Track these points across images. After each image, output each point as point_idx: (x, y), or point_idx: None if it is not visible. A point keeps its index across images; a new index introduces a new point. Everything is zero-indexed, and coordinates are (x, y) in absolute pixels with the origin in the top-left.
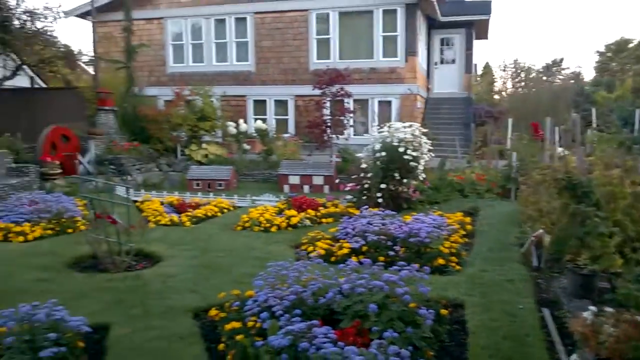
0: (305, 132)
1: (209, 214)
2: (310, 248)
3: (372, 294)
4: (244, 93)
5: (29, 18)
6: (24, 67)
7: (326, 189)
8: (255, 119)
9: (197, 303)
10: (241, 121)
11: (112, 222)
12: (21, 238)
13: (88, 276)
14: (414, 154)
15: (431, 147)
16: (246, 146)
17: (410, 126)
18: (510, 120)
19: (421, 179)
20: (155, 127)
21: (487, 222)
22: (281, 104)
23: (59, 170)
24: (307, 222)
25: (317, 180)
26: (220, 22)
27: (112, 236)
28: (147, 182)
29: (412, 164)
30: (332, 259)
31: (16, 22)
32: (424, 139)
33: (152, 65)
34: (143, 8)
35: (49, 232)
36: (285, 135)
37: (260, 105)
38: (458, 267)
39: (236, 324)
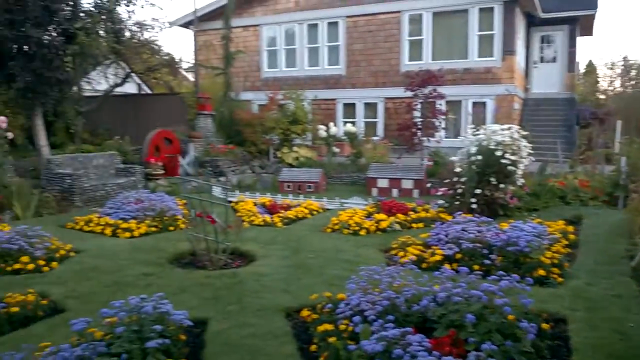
0: (395, 134)
1: (300, 215)
2: (401, 253)
3: (469, 303)
4: (334, 96)
5: (138, 29)
6: (133, 74)
7: (416, 193)
8: (345, 122)
9: (289, 303)
10: (331, 124)
11: (211, 222)
12: (128, 234)
13: (188, 272)
14: (513, 157)
15: (531, 151)
16: (335, 149)
17: (509, 128)
18: (619, 122)
19: (519, 184)
20: (249, 130)
21: (592, 232)
22: (370, 107)
23: (162, 171)
24: (397, 227)
25: (407, 184)
26: (313, 27)
27: (210, 235)
28: (241, 183)
29: (510, 168)
30: (424, 265)
31: (127, 33)
32: (524, 142)
33: (247, 71)
34: (240, 16)
35: (153, 229)
36: (375, 138)
37: (349, 108)
38: (560, 279)
39: (328, 326)
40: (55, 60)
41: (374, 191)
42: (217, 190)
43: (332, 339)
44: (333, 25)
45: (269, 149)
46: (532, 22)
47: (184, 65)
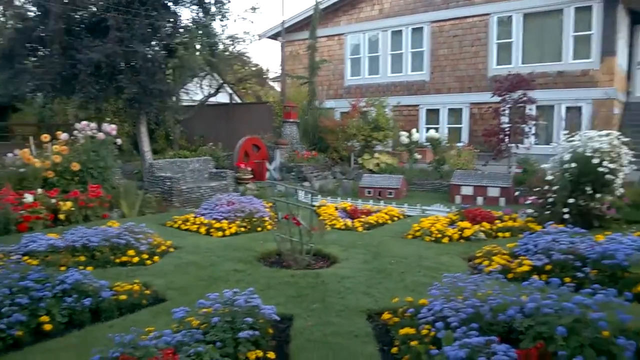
0: (480, 141)
1: (380, 221)
2: (486, 262)
3: (559, 315)
4: (417, 102)
5: (231, 42)
6: (225, 85)
7: (502, 201)
8: (427, 129)
9: (370, 305)
10: (413, 130)
11: (297, 224)
12: (220, 233)
13: (274, 270)
14: (611, 166)
15: (632, 159)
16: (417, 155)
17: (608, 134)
18: None
19: (618, 194)
20: (332, 137)
21: None
22: (455, 113)
23: (250, 176)
24: (482, 235)
25: (493, 192)
26: (397, 34)
27: (295, 236)
28: (323, 188)
29: (608, 177)
30: (510, 275)
31: (221, 46)
32: (624, 149)
33: (330, 79)
34: (325, 26)
35: (242, 229)
36: (458, 144)
37: (432, 114)
38: None
39: (410, 330)
40: (158, 73)
41: (458, 199)
42: (301, 195)
43: (414, 343)
44: (417, 31)
45: (350, 155)
46: (638, 19)
47: (271, 75)
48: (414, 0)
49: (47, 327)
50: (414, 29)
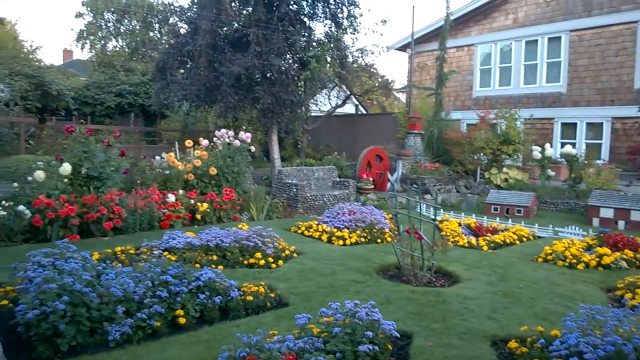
0: (623, 159)
1: (507, 240)
2: (629, 295)
3: None
4: (552, 115)
5: (360, 54)
6: (351, 96)
7: None
8: (562, 144)
9: (495, 331)
10: (547, 145)
11: (419, 238)
12: (341, 242)
13: (393, 285)
14: None
15: None
16: (550, 172)
17: None
18: None
19: None
20: (457, 149)
21: None
22: (594, 127)
23: (372, 186)
24: (623, 264)
25: (637, 216)
26: (531, 44)
27: (416, 250)
28: (446, 202)
29: None
30: None
31: (350, 59)
32: None
33: (458, 91)
34: (455, 37)
35: (363, 239)
36: (597, 161)
37: (569, 128)
38: None
39: None
40: (291, 85)
41: (595, 221)
42: (422, 208)
43: None
44: (554, 40)
45: (476, 169)
46: None
47: (396, 86)
48: (552, 9)
49: (182, 320)
50: (550, 39)
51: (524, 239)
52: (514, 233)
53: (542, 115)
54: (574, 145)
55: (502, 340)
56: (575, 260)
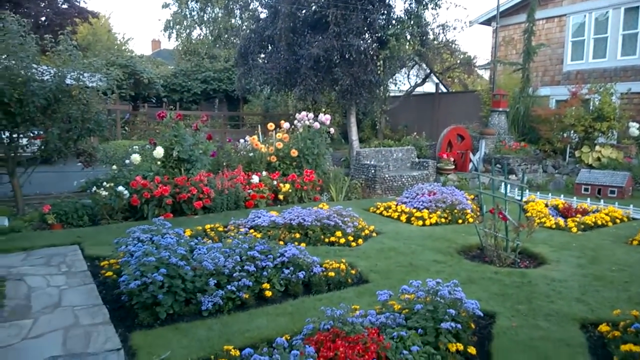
0: None
1: (599, 222)
2: None
3: None
4: None
5: (441, 30)
6: (431, 74)
7: None
8: None
9: (584, 314)
10: None
11: (503, 219)
12: (420, 222)
13: (476, 265)
14: None
15: None
16: None
17: None
18: None
19: None
20: (545, 127)
21: None
22: None
23: (452, 166)
24: None
25: None
26: (632, 11)
27: (500, 231)
28: (531, 182)
29: None
30: None
31: (431, 35)
32: None
33: (546, 65)
34: (544, 7)
35: (443, 220)
36: None
37: None
38: None
39: (634, 347)
40: (370, 65)
41: None
42: (507, 188)
43: None
44: None
45: (565, 148)
46: None
47: (479, 63)
48: None
49: (268, 293)
50: None
51: (617, 221)
52: (606, 214)
53: None
54: None
55: (592, 324)
56: None
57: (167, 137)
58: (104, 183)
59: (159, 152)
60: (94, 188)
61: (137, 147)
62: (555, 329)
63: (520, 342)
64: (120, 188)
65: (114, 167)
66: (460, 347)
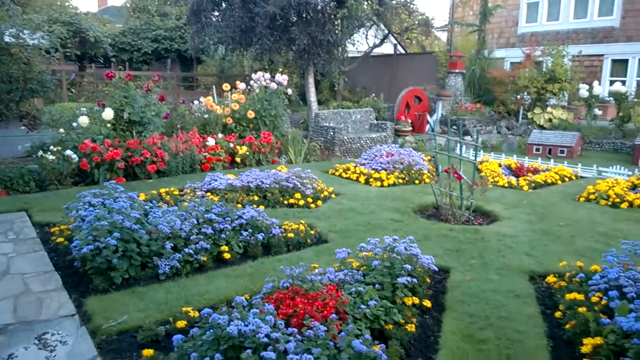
0: None
1: (548, 180)
2: None
3: None
4: (602, 52)
5: None
6: (390, 35)
7: None
8: (611, 82)
9: (533, 267)
10: (595, 83)
11: (458, 178)
12: (378, 183)
13: (431, 223)
14: None
15: None
16: (597, 111)
17: None
18: None
19: None
20: (499, 89)
21: None
22: None
23: (410, 128)
24: None
25: None
26: None
27: (455, 190)
28: (486, 143)
29: None
30: None
31: None
32: None
33: (502, 27)
34: None
35: (400, 180)
36: None
37: (619, 65)
38: None
39: (578, 296)
40: (327, 24)
41: None
42: (462, 149)
43: (582, 309)
44: None
45: (518, 109)
46: None
47: (437, 24)
48: None
49: (227, 255)
50: None
51: (566, 179)
52: (555, 173)
53: (592, 51)
54: (624, 83)
55: (540, 276)
56: (618, 200)
57: (116, 99)
58: (51, 147)
59: (108, 114)
60: (40, 152)
61: (84, 109)
62: (506, 281)
63: (473, 294)
64: (69, 152)
65: (61, 130)
66: (416, 300)
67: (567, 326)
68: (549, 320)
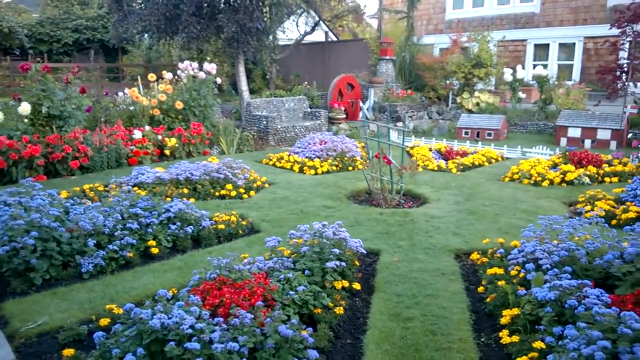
0: (594, 79)
1: (476, 162)
2: (588, 207)
3: None
4: (524, 37)
5: None
6: (321, 22)
7: (613, 144)
8: (535, 65)
9: (459, 245)
10: (518, 67)
11: (388, 163)
12: (312, 171)
13: (363, 208)
14: None
15: None
16: (521, 94)
17: None
18: None
19: None
20: (429, 75)
21: None
22: (566, 48)
23: (343, 115)
24: (586, 180)
25: (603, 135)
26: None
27: (386, 175)
28: (417, 128)
29: None
30: (613, 222)
31: None
32: None
33: (430, 14)
34: None
35: (334, 168)
36: (568, 82)
37: (541, 49)
38: None
39: (498, 270)
40: (256, 12)
41: (563, 141)
42: (394, 135)
43: (501, 282)
44: None
45: (448, 94)
46: None
47: (369, 12)
48: None
49: (154, 250)
50: None
51: (493, 161)
52: (483, 155)
53: (515, 37)
54: (546, 66)
55: (466, 254)
56: (540, 178)
57: (34, 92)
58: None
59: (25, 108)
60: None
61: None
62: (432, 260)
63: (401, 274)
64: None
65: None
66: (346, 284)
67: (488, 299)
68: (472, 296)
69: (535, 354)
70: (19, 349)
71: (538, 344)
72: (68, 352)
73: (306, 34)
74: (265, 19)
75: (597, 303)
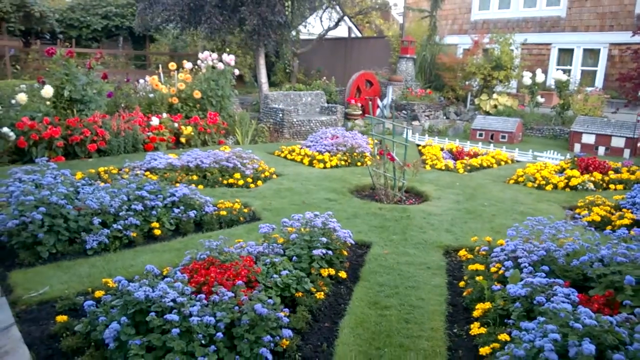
0: (616, 86)
1: (485, 164)
2: (585, 212)
3: (635, 266)
4: (549, 41)
5: None
6: (345, 18)
7: (626, 153)
8: (558, 70)
9: (450, 242)
10: (539, 71)
11: (391, 159)
12: (321, 165)
13: (364, 203)
14: None
15: None
16: (540, 99)
17: None
18: None
19: None
20: (449, 75)
21: None
22: (591, 54)
23: (360, 112)
24: (590, 186)
25: (617, 142)
26: None
27: (389, 172)
28: (433, 128)
29: None
30: (608, 227)
31: None
32: None
33: (456, 14)
34: None
35: (343, 162)
36: (589, 88)
37: (565, 54)
38: None
39: (479, 267)
40: (278, 5)
41: (577, 147)
42: (408, 133)
43: (479, 278)
44: None
45: (467, 95)
46: None
47: (397, 10)
48: None
49: (157, 232)
50: None
51: (502, 163)
52: (492, 157)
53: (539, 40)
54: (569, 72)
55: (455, 250)
56: (544, 182)
57: (57, 76)
58: None
59: (47, 91)
60: None
61: (24, 86)
62: (421, 254)
63: (388, 266)
64: (5, 129)
65: None
66: (332, 272)
67: (465, 293)
68: (453, 290)
69: (497, 345)
70: (20, 314)
71: (503, 337)
72: (61, 318)
73: (329, 29)
74: (287, 12)
75: (565, 301)
